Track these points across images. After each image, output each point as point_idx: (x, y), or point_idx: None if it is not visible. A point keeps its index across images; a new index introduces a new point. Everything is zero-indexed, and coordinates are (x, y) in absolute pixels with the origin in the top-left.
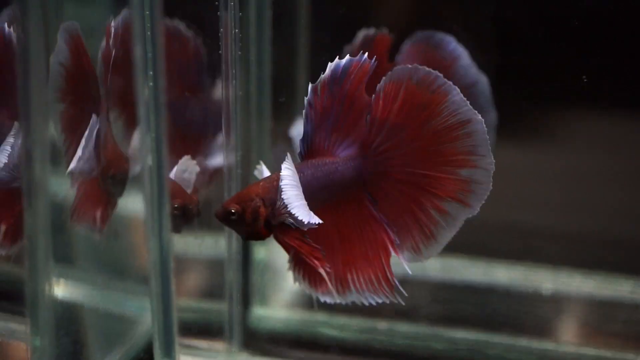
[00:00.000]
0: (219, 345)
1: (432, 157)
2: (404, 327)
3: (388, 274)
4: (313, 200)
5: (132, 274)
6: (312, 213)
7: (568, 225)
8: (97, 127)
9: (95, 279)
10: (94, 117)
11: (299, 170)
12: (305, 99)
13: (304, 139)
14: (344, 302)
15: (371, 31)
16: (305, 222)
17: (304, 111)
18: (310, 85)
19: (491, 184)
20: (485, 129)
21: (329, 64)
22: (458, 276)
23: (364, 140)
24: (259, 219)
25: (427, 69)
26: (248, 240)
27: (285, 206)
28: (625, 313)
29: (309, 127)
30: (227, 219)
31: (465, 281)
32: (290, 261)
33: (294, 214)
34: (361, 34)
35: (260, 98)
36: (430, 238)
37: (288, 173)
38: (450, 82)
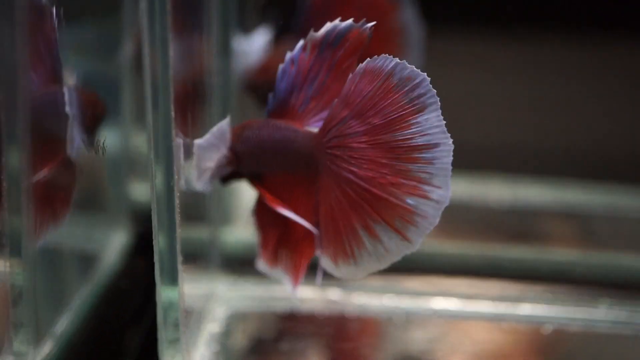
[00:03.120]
0: (201, 270)
1: (382, 171)
2: None
3: (302, 268)
4: (262, 161)
5: (95, 211)
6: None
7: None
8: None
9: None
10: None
11: (259, 126)
12: (289, 53)
13: (275, 96)
14: (270, 275)
15: None
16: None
17: (281, 66)
18: (300, 42)
19: (437, 220)
20: (451, 159)
21: (327, 23)
22: None
23: (325, 124)
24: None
25: (414, 69)
26: (224, 184)
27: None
28: None
29: (284, 85)
30: None
31: None
32: (253, 214)
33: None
34: None
35: None
36: (349, 258)
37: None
38: (434, 94)
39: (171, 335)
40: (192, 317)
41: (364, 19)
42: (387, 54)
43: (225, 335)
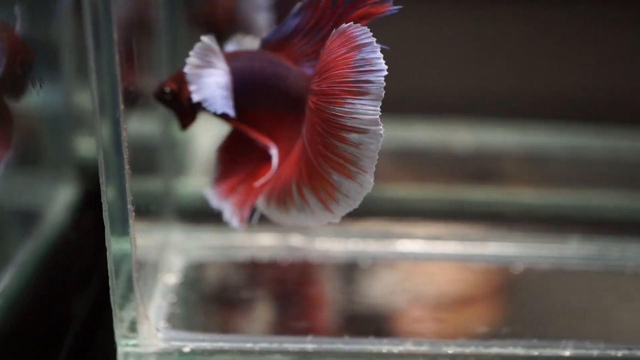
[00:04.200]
0: (154, 221)
1: (317, 139)
2: None
3: (250, 203)
4: (249, 95)
5: (38, 167)
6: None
7: None
8: None
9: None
10: None
11: (251, 56)
12: None
13: (279, 29)
14: (213, 206)
15: None
16: (219, 111)
17: (300, 3)
18: None
19: (359, 202)
20: (378, 148)
21: None
22: None
23: (315, 70)
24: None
25: (380, 59)
26: (184, 127)
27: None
28: None
29: (295, 22)
30: (162, 98)
31: None
32: (217, 151)
33: (207, 99)
34: None
35: None
36: (280, 205)
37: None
38: (381, 87)
39: (124, 287)
40: (145, 268)
41: None
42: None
43: (182, 286)
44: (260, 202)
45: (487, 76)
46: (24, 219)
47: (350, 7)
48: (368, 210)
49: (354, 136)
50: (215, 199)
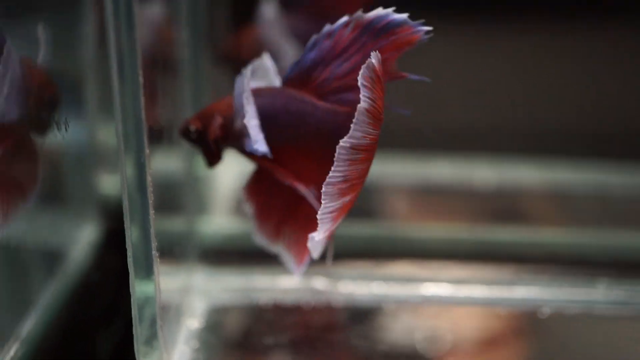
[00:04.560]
0: (177, 262)
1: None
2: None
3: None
4: (273, 132)
5: (61, 206)
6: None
7: None
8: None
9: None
10: (6, 48)
11: (273, 94)
12: (328, 25)
13: (298, 64)
14: (269, 250)
15: None
16: (259, 150)
17: (315, 36)
18: (344, 17)
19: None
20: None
21: (379, 8)
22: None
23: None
24: (220, 138)
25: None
26: (211, 165)
27: (244, 126)
28: None
29: (312, 55)
30: (187, 136)
31: None
32: (246, 189)
33: (251, 135)
34: None
35: None
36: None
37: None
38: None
39: (148, 332)
40: (169, 312)
41: (423, 20)
42: None
43: (205, 330)
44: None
45: (509, 111)
46: (47, 259)
47: (381, 39)
48: (392, 253)
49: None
50: (265, 243)
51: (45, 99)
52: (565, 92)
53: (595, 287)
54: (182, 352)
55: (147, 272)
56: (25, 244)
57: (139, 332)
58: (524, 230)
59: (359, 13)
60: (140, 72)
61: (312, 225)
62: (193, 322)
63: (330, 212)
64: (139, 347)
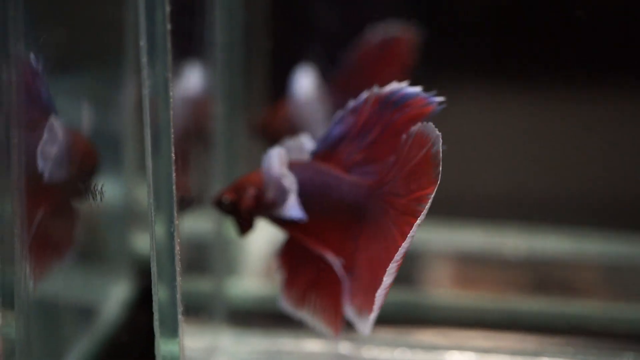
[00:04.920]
0: (204, 322)
1: (401, 238)
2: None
3: (341, 313)
4: (301, 204)
5: (95, 263)
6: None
7: None
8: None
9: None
10: (51, 121)
11: (301, 167)
12: (351, 102)
13: (325, 139)
14: (293, 315)
15: (393, 29)
16: (295, 215)
17: (340, 112)
18: (365, 92)
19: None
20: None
21: (394, 83)
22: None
23: (381, 177)
24: (253, 208)
25: (441, 143)
26: (243, 234)
27: (282, 196)
28: None
29: (337, 130)
30: (221, 207)
31: None
32: (276, 256)
33: (288, 205)
34: (381, 30)
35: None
36: (372, 312)
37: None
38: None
39: None
40: None
41: (435, 91)
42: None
43: None
44: (351, 314)
45: (540, 180)
46: (79, 317)
47: (397, 112)
48: (416, 319)
49: (411, 234)
50: (291, 310)
51: (86, 169)
52: (596, 162)
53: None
54: None
55: (172, 331)
56: (59, 300)
57: None
58: (549, 301)
59: (376, 88)
60: (173, 148)
61: (336, 295)
62: None
63: (387, 288)
64: None
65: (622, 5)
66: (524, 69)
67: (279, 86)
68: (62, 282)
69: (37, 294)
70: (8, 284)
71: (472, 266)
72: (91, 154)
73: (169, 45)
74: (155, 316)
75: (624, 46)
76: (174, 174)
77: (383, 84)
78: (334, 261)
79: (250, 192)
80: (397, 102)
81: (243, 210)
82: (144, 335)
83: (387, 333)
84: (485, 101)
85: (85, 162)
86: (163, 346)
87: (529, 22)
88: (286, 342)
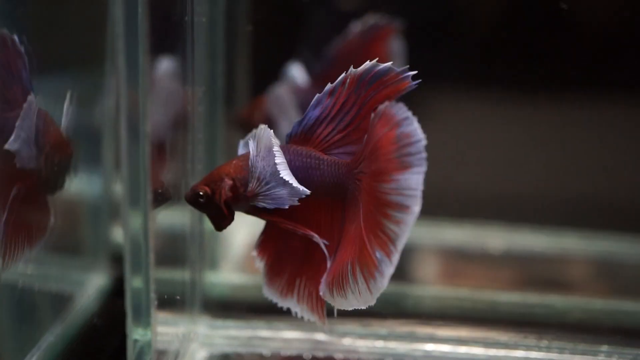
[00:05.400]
0: (180, 313)
1: (367, 216)
2: None
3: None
4: None
5: (72, 254)
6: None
7: None
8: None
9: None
10: (29, 98)
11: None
12: (329, 84)
13: (302, 122)
14: (280, 305)
15: (376, 19)
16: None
17: (318, 95)
18: (342, 75)
19: (386, 284)
20: (411, 227)
21: (367, 61)
22: None
23: (356, 157)
24: (229, 200)
25: (418, 129)
26: (221, 227)
27: (266, 185)
28: None
29: (316, 113)
30: (196, 202)
31: None
32: (257, 246)
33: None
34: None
35: None
36: (340, 290)
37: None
38: (423, 157)
39: None
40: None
41: (407, 66)
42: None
43: None
44: (324, 292)
45: (523, 181)
46: (53, 304)
47: (372, 90)
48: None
49: (396, 214)
50: (276, 298)
51: (56, 160)
52: (581, 162)
53: (597, 353)
54: None
55: (146, 317)
56: (34, 287)
57: None
58: (529, 294)
59: (352, 69)
60: (148, 137)
61: (320, 279)
62: None
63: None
64: None
65: (618, 7)
66: (509, 70)
67: (262, 80)
68: (37, 270)
69: (9, 280)
70: None
71: (455, 261)
72: (63, 146)
73: (146, 31)
74: (127, 302)
75: (616, 51)
76: (149, 162)
77: None
78: (319, 242)
79: (227, 183)
80: (372, 80)
81: (220, 203)
82: (120, 324)
83: (366, 323)
84: (473, 102)
85: (55, 154)
86: (135, 334)
87: (522, 24)
88: (262, 330)
